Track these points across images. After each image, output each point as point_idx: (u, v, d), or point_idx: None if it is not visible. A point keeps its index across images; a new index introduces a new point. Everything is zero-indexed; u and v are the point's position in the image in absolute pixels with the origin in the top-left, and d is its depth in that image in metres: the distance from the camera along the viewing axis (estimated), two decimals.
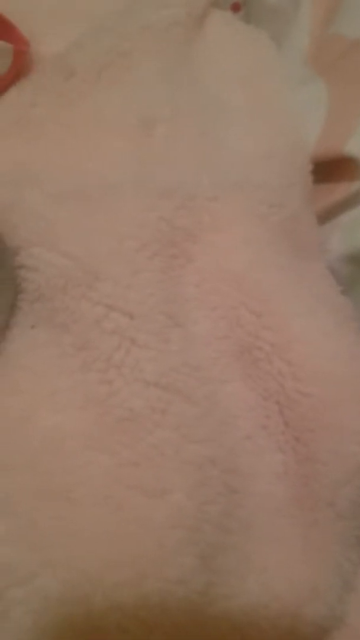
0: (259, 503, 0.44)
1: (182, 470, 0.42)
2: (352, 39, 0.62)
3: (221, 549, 0.42)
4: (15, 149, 0.53)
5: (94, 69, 0.57)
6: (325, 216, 0.61)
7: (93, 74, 0.57)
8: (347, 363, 0.47)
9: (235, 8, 0.77)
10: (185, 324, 0.48)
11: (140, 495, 0.41)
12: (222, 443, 0.44)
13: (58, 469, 0.41)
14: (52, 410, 0.43)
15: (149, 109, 0.56)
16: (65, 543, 0.39)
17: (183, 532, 0.40)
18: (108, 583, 0.38)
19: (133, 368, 0.44)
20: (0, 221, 0.47)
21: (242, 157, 0.56)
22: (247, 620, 0.41)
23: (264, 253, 0.51)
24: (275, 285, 0.50)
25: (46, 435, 0.42)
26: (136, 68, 0.58)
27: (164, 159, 0.54)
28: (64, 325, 0.46)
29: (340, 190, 0.61)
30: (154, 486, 0.41)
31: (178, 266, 0.50)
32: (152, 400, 0.44)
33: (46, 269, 0.46)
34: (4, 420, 0.43)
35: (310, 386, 0.46)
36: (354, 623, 0.44)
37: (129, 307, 0.46)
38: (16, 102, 0.56)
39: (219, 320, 0.49)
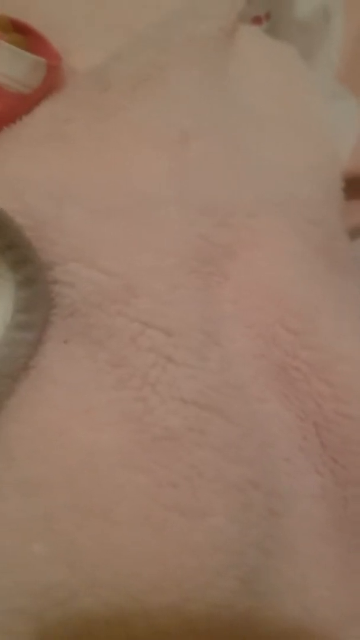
0: (299, 525, 0.44)
1: (223, 492, 0.41)
2: None
3: (263, 571, 0.41)
4: (52, 164, 0.52)
5: (130, 82, 0.57)
6: (356, 233, 0.61)
7: (129, 86, 0.57)
8: None
9: (257, 21, 0.77)
10: (223, 342, 0.47)
11: (179, 517, 0.40)
12: (263, 465, 0.44)
13: (96, 487, 0.41)
14: (87, 427, 0.43)
15: (185, 122, 0.56)
16: (106, 563, 0.39)
17: (225, 555, 0.40)
18: (151, 606, 0.38)
19: (170, 386, 0.44)
20: (36, 236, 0.47)
21: (280, 172, 0.56)
22: None
23: (305, 270, 0.51)
24: (316, 304, 0.49)
25: (83, 453, 0.42)
26: (172, 82, 0.58)
27: (202, 174, 0.54)
28: (99, 342, 0.45)
29: None
30: (193, 508, 0.41)
31: (216, 283, 0.50)
32: (190, 419, 0.43)
33: (82, 285, 0.46)
34: (39, 435, 0.42)
35: (351, 408, 0.45)
36: None
37: (167, 324, 0.45)
38: (50, 116, 0.56)
39: (256, 338, 0.48)
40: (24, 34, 0.58)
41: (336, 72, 0.65)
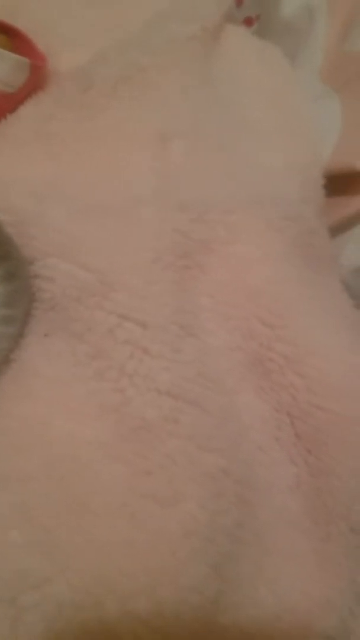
0: (272, 515, 0.45)
1: (195, 480, 0.42)
2: None
3: (234, 558, 0.42)
4: (35, 162, 0.53)
5: (112, 82, 0.58)
6: (339, 230, 0.61)
7: (110, 86, 0.58)
8: None
9: (249, 22, 0.78)
10: (199, 334, 0.48)
11: (153, 504, 0.41)
12: (236, 454, 0.44)
13: (73, 476, 0.42)
14: (67, 418, 0.44)
15: (167, 123, 0.57)
16: (80, 550, 0.39)
17: (196, 541, 0.40)
18: (122, 590, 0.38)
19: (145, 377, 0.45)
20: (18, 231, 0.48)
21: (260, 171, 0.57)
22: (259, 631, 0.41)
23: (280, 266, 0.51)
24: (291, 298, 0.50)
25: (62, 444, 0.43)
26: (154, 82, 0.59)
27: (182, 173, 0.54)
28: (78, 335, 0.46)
29: (354, 204, 0.61)
30: (167, 495, 0.42)
31: (192, 277, 0.50)
32: (165, 410, 0.44)
33: (62, 279, 0.47)
34: (19, 427, 0.43)
35: (326, 400, 0.46)
36: None
37: (143, 317, 0.46)
38: (34, 115, 0.56)
39: (232, 332, 0.49)
40: (8, 35, 0.59)
41: (319, 71, 0.66)
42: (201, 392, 0.45)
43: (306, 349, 0.48)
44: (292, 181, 0.58)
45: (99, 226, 0.49)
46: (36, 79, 0.58)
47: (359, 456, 0.46)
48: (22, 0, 0.64)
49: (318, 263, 0.56)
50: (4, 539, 0.39)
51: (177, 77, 0.61)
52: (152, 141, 0.57)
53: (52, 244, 0.48)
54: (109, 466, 0.42)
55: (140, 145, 0.56)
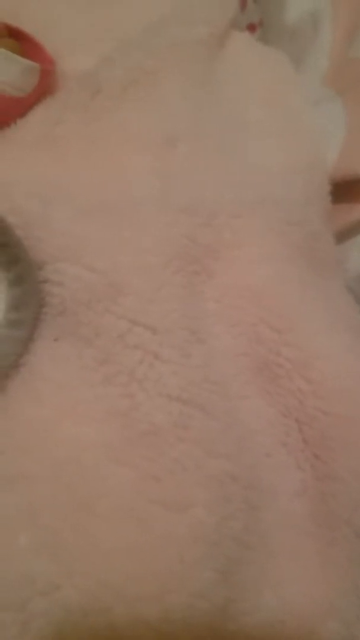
0: (278, 519, 0.45)
1: (203, 485, 0.42)
2: None
3: (241, 564, 0.42)
4: (42, 165, 0.54)
5: (119, 85, 0.58)
6: (344, 235, 0.62)
7: (118, 90, 0.58)
8: None
9: (252, 28, 0.78)
10: (207, 339, 0.48)
11: (161, 509, 0.41)
12: (243, 459, 0.45)
13: (81, 481, 0.42)
14: (74, 422, 0.44)
15: (172, 126, 0.58)
16: (88, 555, 0.40)
17: (204, 546, 0.41)
18: (130, 596, 0.39)
19: (156, 382, 0.45)
20: (26, 235, 0.48)
21: (264, 175, 0.57)
22: (264, 636, 0.41)
23: (285, 270, 0.52)
24: (296, 302, 0.50)
25: (69, 447, 0.43)
26: (160, 85, 0.59)
27: (187, 176, 0.55)
28: (87, 339, 0.46)
29: (358, 211, 0.61)
30: (175, 500, 0.42)
31: (200, 282, 0.51)
32: (175, 415, 0.44)
33: (71, 284, 0.47)
34: (27, 430, 0.43)
35: (331, 404, 0.46)
36: None
37: (152, 322, 0.46)
38: (42, 119, 0.57)
39: (238, 337, 0.50)
40: (18, 39, 0.59)
41: (324, 77, 0.66)
42: (209, 397, 0.45)
43: (312, 354, 0.48)
44: (295, 183, 0.59)
45: (105, 229, 0.50)
46: (46, 83, 0.58)
47: None
48: (25, 3, 0.64)
49: (322, 267, 0.56)
50: (13, 543, 0.40)
51: (182, 81, 0.61)
52: (158, 144, 0.57)
53: (59, 247, 0.48)
54: (116, 470, 0.43)
55: (145, 148, 0.57)
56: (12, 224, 0.47)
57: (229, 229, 0.52)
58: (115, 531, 0.41)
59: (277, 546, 0.44)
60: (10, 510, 0.41)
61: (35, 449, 0.43)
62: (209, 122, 0.60)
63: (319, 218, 0.57)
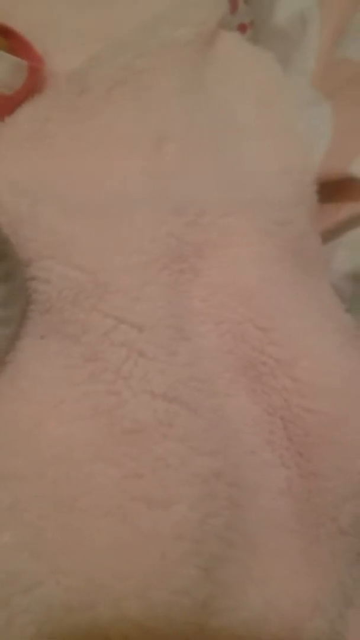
0: (263, 517, 0.45)
1: (187, 483, 0.42)
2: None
3: (224, 561, 0.42)
4: (30, 163, 0.54)
5: (106, 85, 0.58)
6: (330, 235, 0.62)
7: (105, 90, 0.58)
8: (351, 380, 0.48)
9: (242, 29, 0.78)
10: (192, 337, 0.48)
11: (144, 507, 0.42)
12: (227, 457, 0.45)
13: (65, 478, 0.42)
14: (59, 420, 0.44)
15: (160, 126, 0.58)
16: (71, 552, 0.40)
17: (187, 543, 0.41)
18: (113, 593, 0.39)
19: (141, 380, 0.45)
20: (13, 232, 0.48)
21: (252, 175, 0.57)
22: (248, 634, 0.42)
23: (272, 270, 0.52)
24: (282, 302, 0.50)
25: (54, 445, 0.43)
26: (149, 85, 0.60)
27: (175, 176, 0.55)
28: (74, 337, 0.47)
29: (345, 209, 0.62)
30: (158, 498, 0.42)
31: (186, 280, 0.51)
32: (159, 412, 0.44)
33: (57, 281, 0.47)
34: (12, 428, 0.44)
35: (315, 403, 0.47)
36: (354, 639, 0.44)
37: (138, 320, 0.46)
38: (31, 117, 0.57)
39: (224, 335, 0.50)
40: (6, 37, 0.59)
41: (311, 77, 0.67)
42: (195, 395, 0.45)
43: (297, 352, 0.48)
44: (284, 185, 0.59)
45: (93, 227, 0.50)
46: (34, 81, 0.58)
47: (347, 457, 0.46)
48: (16, 2, 0.64)
49: (309, 267, 0.56)
50: None
51: (170, 81, 0.61)
52: (146, 143, 0.57)
53: (46, 245, 0.48)
54: (100, 468, 0.43)
55: (134, 148, 0.57)
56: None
57: (217, 228, 0.52)
58: (99, 528, 0.41)
59: (261, 544, 0.44)
60: None
61: (21, 446, 0.43)
62: (198, 122, 0.60)
63: (306, 218, 0.58)
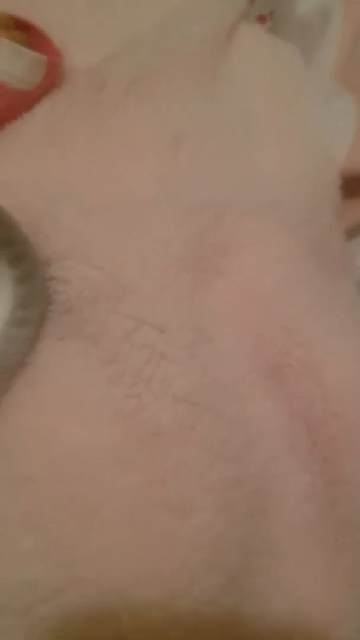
0: (286, 525, 0.44)
1: (209, 489, 0.42)
2: None
3: (248, 569, 0.41)
4: (48, 161, 0.53)
5: (124, 82, 0.58)
6: (354, 232, 0.61)
7: (123, 87, 0.58)
8: None
9: (262, 20, 0.77)
10: (215, 339, 0.47)
11: (167, 514, 0.41)
12: (250, 463, 0.44)
13: (85, 484, 0.41)
14: (79, 424, 0.43)
15: (179, 124, 0.57)
16: (92, 560, 0.39)
17: (210, 551, 0.40)
18: (136, 602, 0.38)
19: (162, 382, 0.44)
20: (33, 232, 0.47)
21: (272, 174, 0.56)
22: None
23: (295, 270, 0.51)
24: (306, 303, 0.49)
25: (73, 450, 0.42)
26: (167, 83, 0.59)
27: (193, 175, 0.54)
28: (93, 338, 0.46)
29: None
30: (180, 504, 0.41)
31: (207, 281, 0.50)
32: (181, 416, 0.43)
33: (77, 282, 0.46)
34: (31, 433, 0.43)
35: (340, 407, 0.45)
36: None
37: (160, 321, 0.46)
38: (49, 113, 0.56)
39: (247, 337, 0.49)
40: (25, 32, 0.58)
41: (333, 71, 0.65)
42: (217, 398, 0.44)
43: (322, 355, 0.47)
44: (306, 184, 0.58)
45: (112, 227, 0.49)
46: (52, 76, 0.57)
47: None
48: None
49: (332, 267, 0.55)
50: (17, 548, 0.39)
51: (188, 78, 0.60)
52: (164, 142, 0.56)
53: (66, 245, 0.47)
54: (121, 474, 0.42)
55: (151, 146, 0.56)
56: (18, 221, 0.46)
57: (237, 228, 0.51)
58: (119, 535, 0.40)
59: (286, 551, 0.43)
60: (14, 514, 0.40)
61: (40, 451, 0.42)
62: (216, 120, 0.59)
63: (329, 216, 0.57)
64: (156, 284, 0.47)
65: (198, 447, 0.43)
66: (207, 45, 0.63)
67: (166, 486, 0.41)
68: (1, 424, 0.43)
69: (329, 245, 0.56)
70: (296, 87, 0.66)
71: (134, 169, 0.54)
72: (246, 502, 0.42)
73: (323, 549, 0.44)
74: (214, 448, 0.43)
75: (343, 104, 0.64)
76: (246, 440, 0.45)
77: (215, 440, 0.43)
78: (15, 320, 0.45)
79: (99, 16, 0.64)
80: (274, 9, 0.77)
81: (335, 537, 0.44)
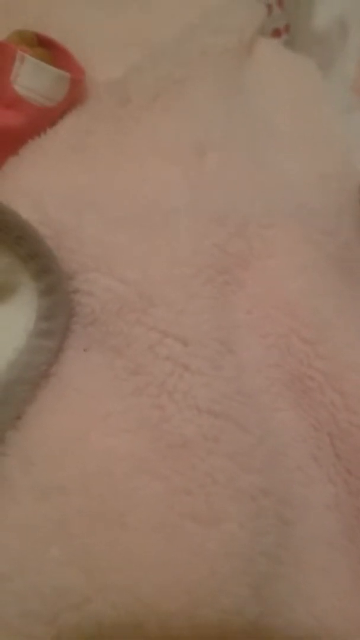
0: (310, 534, 0.44)
1: (235, 500, 0.42)
2: None
3: (273, 579, 0.41)
4: (73, 175, 0.54)
5: (149, 95, 0.58)
6: None
7: (148, 100, 0.58)
8: None
9: (277, 34, 0.78)
10: (238, 350, 0.48)
11: (193, 524, 0.41)
12: (275, 473, 0.44)
13: (111, 493, 0.42)
14: (105, 433, 0.44)
15: (201, 135, 0.57)
16: (119, 569, 0.39)
17: (237, 561, 0.40)
18: (163, 611, 0.38)
19: (186, 394, 0.44)
20: (57, 245, 0.48)
21: (295, 184, 0.57)
22: None
23: (318, 281, 0.51)
24: (329, 314, 0.50)
25: (99, 458, 0.43)
26: (190, 94, 0.59)
27: (217, 185, 0.55)
28: (117, 349, 0.46)
29: None
30: (206, 515, 0.41)
31: (230, 292, 0.50)
32: (205, 427, 0.44)
33: (101, 294, 0.47)
34: (58, 441, 0.43)
35: None
36: None
37: (183, 333, 0.46)
38: (72, 129, 0.57)
39: (270, 348, 0.49)
40: (48, 48, 0.59)
41: (352, 84, 0.66)
42: (240, 409, 0.45)
43: (345, 366, 0.47)
44: (326, 194, 0.58)
45: (136, 239, 0.50)
46: (75, 93, 0.58)
47: None
48: (54, 10, 0.65)
49: (354, 277, 0.55)
50: (45, 555, 0.40)
51: (211, 89, 0.61)
52: (188, 153, 0.57)
53: (90, 258, 0.48)
54: (147, 483, 0.42)
55: (176, 157, 0.57)
56: (43, 235, 0.47)
57: (260, 238, 0.52)
58: (146, 545, 0.40)
59: (309, 561, 0.43)
60: (42, 522, 0.41)
61: (66, 460, 0.43)
62: (239, 130, 0.59)
63: (350, 227, 0.57)
64: (180, 296, 0.47)
65: (223, 458, 0.43)
66: (229, 57, 0.63)
67: (192, 496, 0.42)
68: (27, 433, 0.43)
69: (351, 257, 0.56)
70: (316, 98, 0.67)
71: (158, 180, 0.54)
72: (272, 512, 0.43)
73: (347, 559, 0.44)
74: (238, 458, 0.43)
75: None
76: (271, 450, 0.45)
77: (240, 450, 0.44)
78: (39, 332, 0.46)
79: (118, 29, 0.65)
80: (290, 22, 0.77)
81: (358, 547, 0.44)
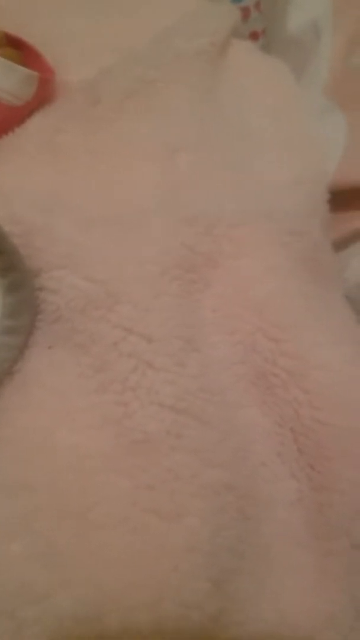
0: (274, 530, 0.44)
1: (198, 495, 0.42)
2: None
3: (236, 574, 0.42)
4: (43, 173, 0.54)
5: (120, 96, 0.58)
6: (343, 245, 0.62)
7: (118, 101, 0.58)
8: None
9: (254, 36, 0.78)
10: (203, 348, 0.48)
11: (156, 519, 0.41)
12: (239, 469, 0.44)
13: (77, 489, 0.42)
14: (70, 429, 0.44)
15: (174, 136, 0.57)
16: (82, 563, 0.39)
17: (199, 556, 0.40)
18: (124, 605, 0.38)
19: (149, 390, 0.45)
20: (24, 244, 0.48)
21: (265, 186, 0.57)
22: None
23: (285, 281, 0.52)
24: (295, 313, 0.50)
25: (64, 455, 0.43)
26: (162, 96, 0.59)
27: (188, 186, 0.55)
28: (83, 347, 0.46)
29: (358, 218, 0.61)
30: (169, 510, 0.41)
31: (197, 291, 0.51)
32: (167, 423, 0.44)
33: (66, 291, 0.47)
34: (23, 437, 0.43)
35: (328, 414, 0.46)
36: None
37: (148, 331, 0.46)
38: (41, 127, 0.57)
39: (235, 345, 0.49)
40: (18, 48, 0.59)
41: (325, 86, 0.66)
42: (204, 406, 0.45)
43: (310, 364, 0.48)
44: (298, 196, 0.59)
45: (105, 238, 0.50)
46: (44, 92, 0.58)
47: None
48: (28, 14, 0.65)
49: (322, 278, 0.56)
50: (6, 551, 0.39)
51: (183, 91, 0.61)
52: (159, 154, 0.57)
53: (58, 256, 0.48)
54: (111, 479, 0.42)
55: (146, 158, 0.56)
56: (7, 232, 0.47)
57: (229, 239, 0.52)
58: (109, 540, 0.41)
59: (273, 557, 0.44)
60: (4, 518, 0.40)
61: (31, 456, 0.43)
62: (211, 132, 0.59)
63: (319, 228, 0.57)
64: (147, 294, 0.48)
65: (186, 454, 0.43)
66: (202, 59, 0.64)
67: (156, 491, 0.42)
68: None
69: (320, 258, 0.57)
70: (288, 101, 0.67)
71: (128, 180, 0.54)
72: (235, 507, 0.43)
73: (311, 554, 0.44)
74: (202, 454, 0.43)
75: (333, 119, 0.65)
76: (235, 447, 0.45)
77: (204, 447, 0.44)
78: (4, 329, 0.46)
79: (93, 32, 0.65)
80: (266, 26, 0.78)
81: (323, 542, 0.45)
